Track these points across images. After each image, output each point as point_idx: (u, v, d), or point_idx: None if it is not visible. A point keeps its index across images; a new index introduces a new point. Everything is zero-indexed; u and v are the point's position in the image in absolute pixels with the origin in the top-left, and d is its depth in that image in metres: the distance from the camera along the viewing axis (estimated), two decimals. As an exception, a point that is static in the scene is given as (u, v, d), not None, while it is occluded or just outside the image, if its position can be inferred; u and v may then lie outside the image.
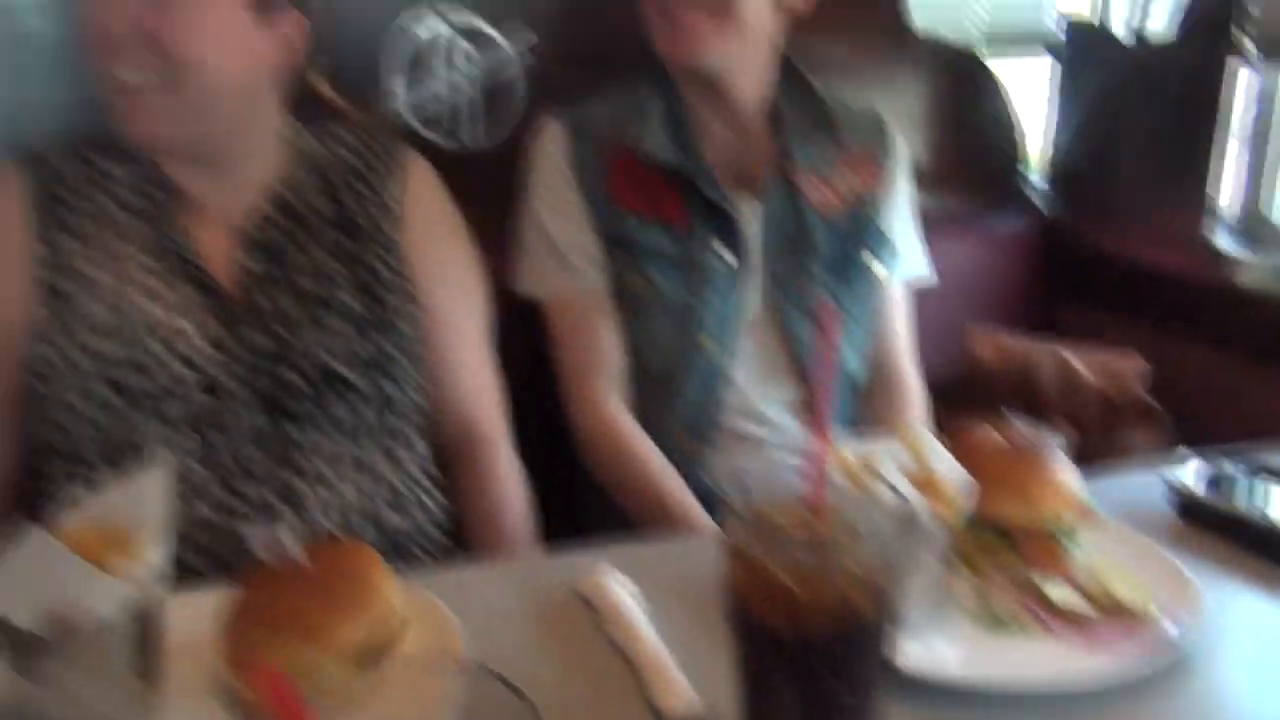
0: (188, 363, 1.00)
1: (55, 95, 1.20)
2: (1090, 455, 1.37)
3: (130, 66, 0.96)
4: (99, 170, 1.06)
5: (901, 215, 1.38)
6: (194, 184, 1.07)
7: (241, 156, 1.08)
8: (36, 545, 0.60)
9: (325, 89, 1.19)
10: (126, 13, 0.94)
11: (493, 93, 1.47)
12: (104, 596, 0.62)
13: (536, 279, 1.29)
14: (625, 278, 1.26)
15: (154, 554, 0.66)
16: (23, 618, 0.61)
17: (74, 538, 0.64)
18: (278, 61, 1.07)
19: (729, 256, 1.25)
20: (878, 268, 1.32)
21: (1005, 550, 0.83)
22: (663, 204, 1.26)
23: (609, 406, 1.26)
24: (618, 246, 1.26)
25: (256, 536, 0.71)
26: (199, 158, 1.06)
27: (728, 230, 1.25)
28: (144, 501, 0.69)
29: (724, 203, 1.24)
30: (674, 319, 1.25)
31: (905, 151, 1.38)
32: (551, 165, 1.28)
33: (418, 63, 1.43)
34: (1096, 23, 2.45)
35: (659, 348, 1.27)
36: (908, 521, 0.61)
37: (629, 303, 1.27)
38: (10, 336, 1.01)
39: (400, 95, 1.43)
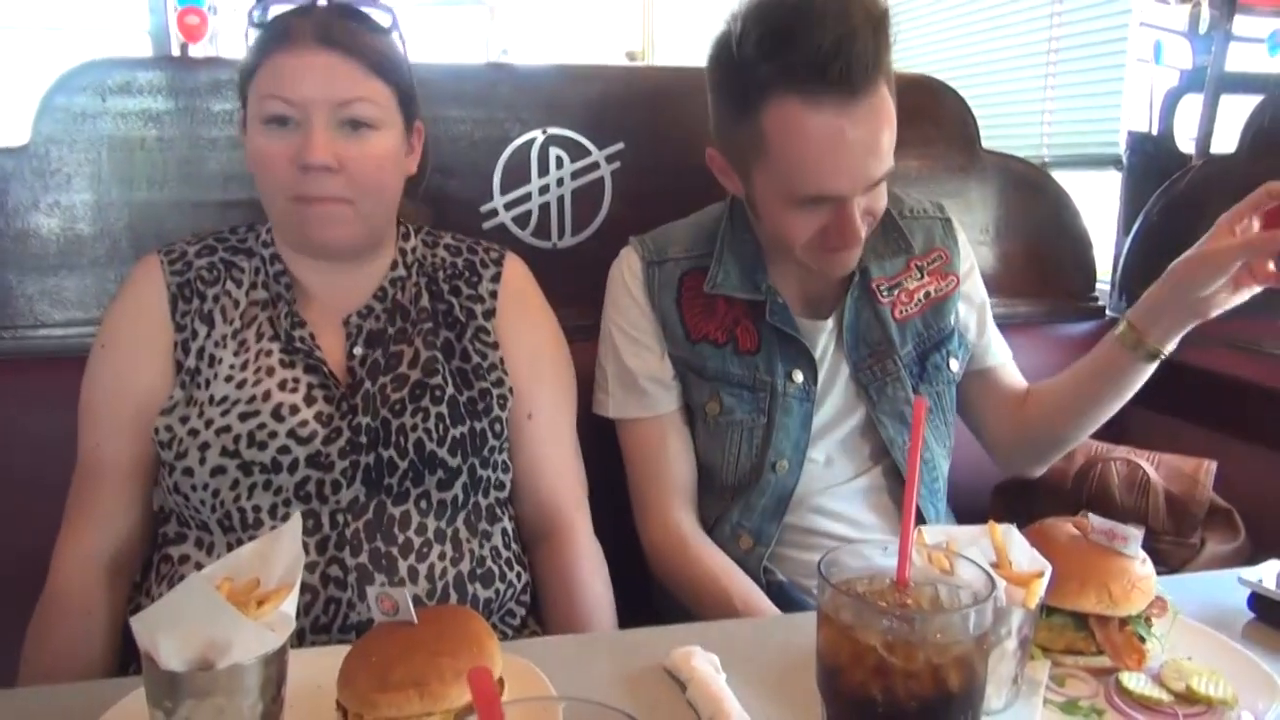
0: (298, 438, 1.08)
1: (184, 196, 1.33)
2: (1161, 557, 1.38)
3: (323, 186, 1.08)
4: (226, 263, 1.17)
5: (978, 304, 1.41)
6: (312, 279, 1.17)
7: (366, 257, 1.19)
8: (195, 590, 0.66)
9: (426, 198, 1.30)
10: (331, 148, 1.07)
11: (581, 195, 1.57)
12: (245, 641, 0.68)
13: (610, 403, 1.33)
14: (700, 401, 1.31)
15: (287, 604, 0.72)
16: (169, 656, 0.67)
17: (221, 587, 0.71)
18: (409, 170, 1.19)
19: (801, 379, 1.29)
20: (954, 365, 1.37)
21: (1083, 640, 0.85)
22: (736, 330, 1.30)
23: (676, 522, 1.30)
24: (692, 371, 1.31)
25: (376, 596, 0.76)
26: (350, 256, 1.16)
27: (800, 354, 1.30)
28: (279, 557, 0.75)
29: (796, 331, 1.29)
30: (748, 440, 1.30)
31: (966, 240, 1.42)
32: (627, 293, 1.33)
33: (515, 167, 1.54)
34: (1157, 136, 2.52)
35: (732, 465, 1.31)
36: (988, 598, 0.64)
37: (703, 423, 1.32)
38: (148, 409, 1.11)
39: (498, 197, 1.54)
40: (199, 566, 1.09)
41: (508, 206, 1.54)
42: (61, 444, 1.13)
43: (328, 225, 1.10)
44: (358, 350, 1.15)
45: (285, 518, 1.07)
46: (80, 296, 1.41)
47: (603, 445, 1.34)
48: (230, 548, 1.08)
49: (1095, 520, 0.90)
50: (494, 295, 1.23)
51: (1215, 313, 1.14)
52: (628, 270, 1.34)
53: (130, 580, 1.14)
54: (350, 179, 1.08)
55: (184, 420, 1.09)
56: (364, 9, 1.15)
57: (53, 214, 1.39)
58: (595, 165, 1.56)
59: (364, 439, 1.09)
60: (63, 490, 1.12)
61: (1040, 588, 0.77)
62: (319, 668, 0.76)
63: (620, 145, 1.56)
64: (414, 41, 1.21)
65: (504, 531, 1.19)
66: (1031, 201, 1.78)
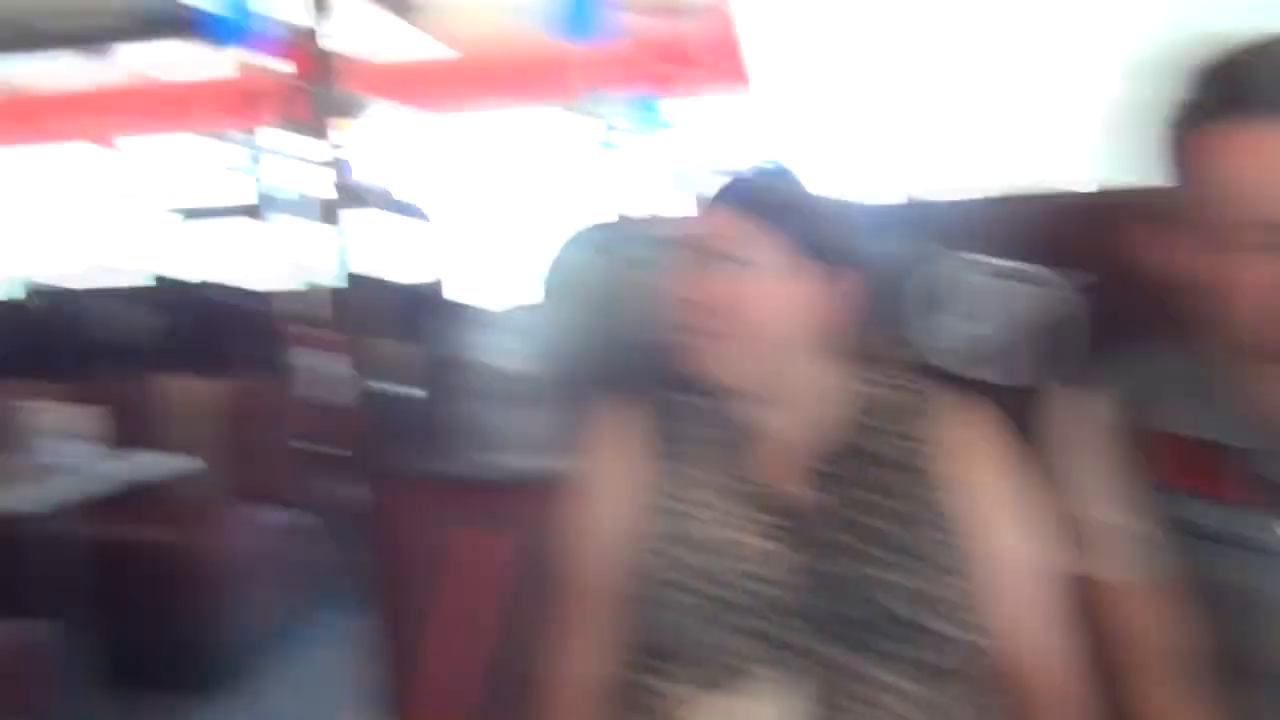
0: (765, 582, 1.10)
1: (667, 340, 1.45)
2: None
3: (706, 323, 1.14)
4: (685, 405, 1.24)
5: None
6: (771, 421, 1.21)
7: (804, 399, 1.20)
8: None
9: (873, 339, 1.27)
10: (713, 288, 1.14)
11: (1046, 330, 1.47)
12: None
13: (1083, 560, 1.19)
14: (1198, 566, 1.12)
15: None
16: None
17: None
18: (836, 316, 1.18)
19: None
20: None
21: None
22: (1226, 481, 1.11)
23: (1172, 710, 1.12)
24: (1182, 531, 1.13)
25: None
26: (762, 398, 1.19)
27: None
28: (760, 711, 0.75)
29: None
30: (1240, 613, 1.09)
31: None
32: (1089, 437, 1.20)
33: (965, 303, 1.49)
34: None
35: (1252, 645, 1.10)
36: None
37: (1209, 596, 1.12)
38: (625, 544, 1.20)
39: (954, 336, 1.49)
40: (673, 703, 1.13)
41: (957, 345, 1.49)
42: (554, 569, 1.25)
43: (703, 358, 1.15)
44: (817, 495, 1.15)
45: (754, 661, 1.09)
46: (570, 432, 1.58)
47: (1081, 609, 1.19)
48: (701, 687, 1.11)
49: None
50: (949, 440, 1.18)
51: None
52: (1089, 412, 1.21)
53: (607, 709, 1.22)
54: (720, 315, 1.13)
55: (656, 555, 1.16)
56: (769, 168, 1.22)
57: (552, 358, 1.59)
58: (1054, 299, 1.46)
59: (832, 588, 1.09)
60: (547, 615, 1.24)
61: None
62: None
63: (1082, 275, 1.45)
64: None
65: (985, 705, 1.13)
66: None
